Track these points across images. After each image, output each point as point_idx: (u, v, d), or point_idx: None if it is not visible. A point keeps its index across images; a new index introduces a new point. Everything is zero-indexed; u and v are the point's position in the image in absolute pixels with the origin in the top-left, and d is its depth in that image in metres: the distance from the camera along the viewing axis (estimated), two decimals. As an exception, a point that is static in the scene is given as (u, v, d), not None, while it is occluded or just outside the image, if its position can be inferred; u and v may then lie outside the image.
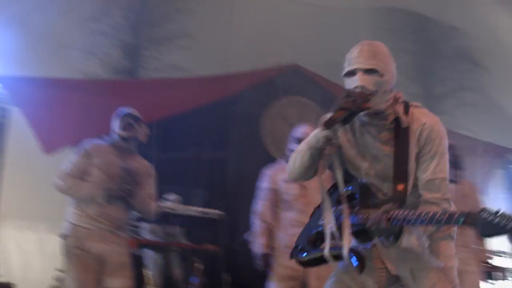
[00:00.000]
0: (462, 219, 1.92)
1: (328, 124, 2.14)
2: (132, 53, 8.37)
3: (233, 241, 7.15)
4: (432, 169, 2.25)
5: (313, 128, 4.19)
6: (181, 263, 6.04)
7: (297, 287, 3.93)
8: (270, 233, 4.08)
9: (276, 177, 4.18)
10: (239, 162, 7.90)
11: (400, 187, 2.24)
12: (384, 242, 2.30)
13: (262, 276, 4.07)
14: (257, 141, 8.08)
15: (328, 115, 2.16)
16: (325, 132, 2.23)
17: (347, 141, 2.39)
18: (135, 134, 3.75)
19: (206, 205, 6.19)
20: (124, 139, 3.71)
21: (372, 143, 2.33)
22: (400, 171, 2.25)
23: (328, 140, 2.26)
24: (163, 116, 7.31)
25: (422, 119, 2.28)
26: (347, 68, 2.28)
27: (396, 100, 2.31)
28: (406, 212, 2.08)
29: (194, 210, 5.59)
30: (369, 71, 2.22)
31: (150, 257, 5.97)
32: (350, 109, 2.13)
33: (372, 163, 2.34)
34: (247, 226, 6.52)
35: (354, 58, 2.27)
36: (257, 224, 4.17)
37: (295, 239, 3.84)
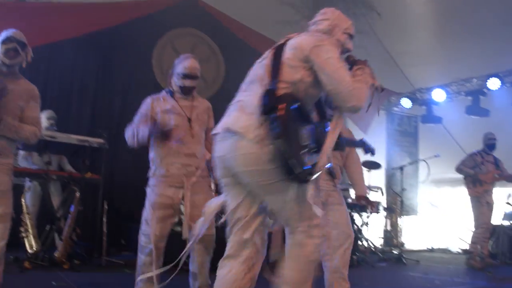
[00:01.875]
0: None
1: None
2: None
3: (114, 170, 7.06)
4: None
5: (196, 61, 4.06)
6: (61, 192, 5.89)
7: (172, 215, 3.89)
8: None
9: (155, 106, 4.03)
10: (126, 92, 7.71)
11: None
12: None
13: (139, 205, 4.00)
14: (148, 71, 7.90)
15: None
16: None
17: None
18: (20, 60, 3.50)
19: (89, 134, 5.99)
20: (6, 65, 3.44)
21: None
22: None
23: None
24: (50, 41, 6.94)
25: None
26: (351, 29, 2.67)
27: None
28: None
29: (75, 138, 5.35)
30: None
31: (28, 185, 5.76)
32: None
33: None
34: (128, 157, 6.46)
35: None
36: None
37: (171, 168, 3.85)
